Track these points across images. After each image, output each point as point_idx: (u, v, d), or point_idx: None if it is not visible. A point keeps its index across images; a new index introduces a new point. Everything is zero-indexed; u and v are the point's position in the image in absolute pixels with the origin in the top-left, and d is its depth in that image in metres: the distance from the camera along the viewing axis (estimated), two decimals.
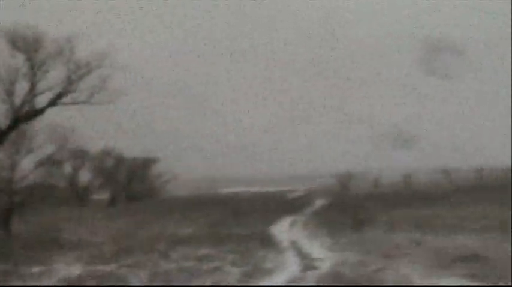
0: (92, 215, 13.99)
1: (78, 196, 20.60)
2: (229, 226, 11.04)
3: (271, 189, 21.56)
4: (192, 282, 5.56)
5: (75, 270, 6.47)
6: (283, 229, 10.81)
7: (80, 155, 21.13)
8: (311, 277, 5.87)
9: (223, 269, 6.35)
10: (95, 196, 22.07)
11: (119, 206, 17.08)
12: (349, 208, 12.08)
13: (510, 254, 5.73)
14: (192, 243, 8.16)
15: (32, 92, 11.66)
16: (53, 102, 12.30)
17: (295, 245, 8.64)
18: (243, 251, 7.74)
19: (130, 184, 22.65)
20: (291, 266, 6.75)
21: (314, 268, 6.53)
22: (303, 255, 7.67)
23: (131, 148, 21.11)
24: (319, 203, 15.71)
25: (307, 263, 6.95)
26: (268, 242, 8.86)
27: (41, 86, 11.29)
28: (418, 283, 4.96)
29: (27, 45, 10.90)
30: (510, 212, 9.04)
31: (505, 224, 7.93)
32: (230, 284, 5.45)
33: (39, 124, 12.77)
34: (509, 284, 4.61)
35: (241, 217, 12.01)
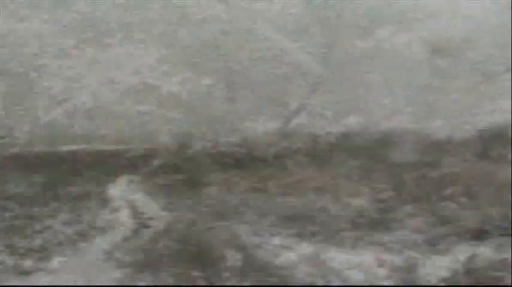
0: None
1: None
2: (64, 184, 10.70)
3: (110, 147, 20.54)
4: (18, 241, 5.57)
5: None
6: (120, 188, 10.55)
7: None
8: (145, 235, 5.93)
9: (55, 228, 6.29)
10: None
11: None
12: (187, 167, 11.76)
13: (337, 213, 5.98)
14: (24, 201, 7.95)
15: None
16: None
17: (130, 205, 8.55)
18: (77, 210, 7.60)
19: None
20: (124, 225, 6.78)
21: (148, 226, 6.58)
22: (137, 214, 7.63)
23: None
24: (157, 162, 15.23)
25: (142, 221, 6.97)
26: (103, 201, 8.74)
27: None
28: (246, 239, 5.20)
29: None
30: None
31: (335, 186, 8.01)
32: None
33: None
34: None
35: (78, 175, 11.59)
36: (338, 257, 4.63)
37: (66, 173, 5.58)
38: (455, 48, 6.54)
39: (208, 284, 4.51)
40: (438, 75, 6.30)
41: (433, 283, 4.46)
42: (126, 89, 4.85)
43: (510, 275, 3.88)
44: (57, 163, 5.38)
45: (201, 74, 5.25)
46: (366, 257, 4.64)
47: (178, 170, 4.95)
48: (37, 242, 5.19)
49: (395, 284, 4.41)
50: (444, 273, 4.70)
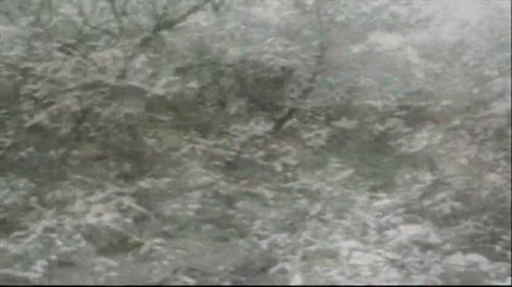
0: None
1: None
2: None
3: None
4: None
5: None
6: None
7: None
8: None
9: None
10: None
11: None
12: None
13: None
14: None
15: None
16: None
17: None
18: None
19: None
20: None
21: None
22: None
23: None
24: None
25: None
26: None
27: None
28: None
29: None
30: None
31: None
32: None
33: None
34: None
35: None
36: None
37: (52, 178, 5.54)
38: (448, 52, 6.47)
39: (205, 284, 4.42)
40: (431, 80, 6.23)
41: None
42: (112, 92, 4.81)
43: None
44: (43, 167, 5.32)
45: (189, 77, 5.20)
46: None
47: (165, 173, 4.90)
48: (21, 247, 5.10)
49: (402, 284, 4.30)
50: None
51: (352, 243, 4.60)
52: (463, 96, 6.28)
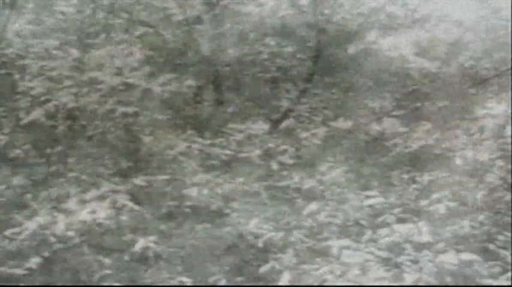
0: None
1: None
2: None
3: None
4: None
5: None
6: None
7: None
8: None
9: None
10: None
11: None
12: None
13: None
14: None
15: None
16: None
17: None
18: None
19: None
20: None
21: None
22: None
23: None
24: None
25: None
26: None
27: None
28: None
29: None
30: None
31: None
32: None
33: None
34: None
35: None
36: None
37: (47, 175, 5.58)
38: (445, 52, 6.48)
39: (201, 284, 4.43)
40: (427, 80, 6.24)
41: None
42: (108, 89, 4.83)
43: None
44: (38, 164, 5.34)
45: (186, 75, 5.24)
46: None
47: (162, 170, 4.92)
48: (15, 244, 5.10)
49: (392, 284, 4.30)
50: None
51: (345, 242, 4.60)
52: (460, 96, 6.29)
